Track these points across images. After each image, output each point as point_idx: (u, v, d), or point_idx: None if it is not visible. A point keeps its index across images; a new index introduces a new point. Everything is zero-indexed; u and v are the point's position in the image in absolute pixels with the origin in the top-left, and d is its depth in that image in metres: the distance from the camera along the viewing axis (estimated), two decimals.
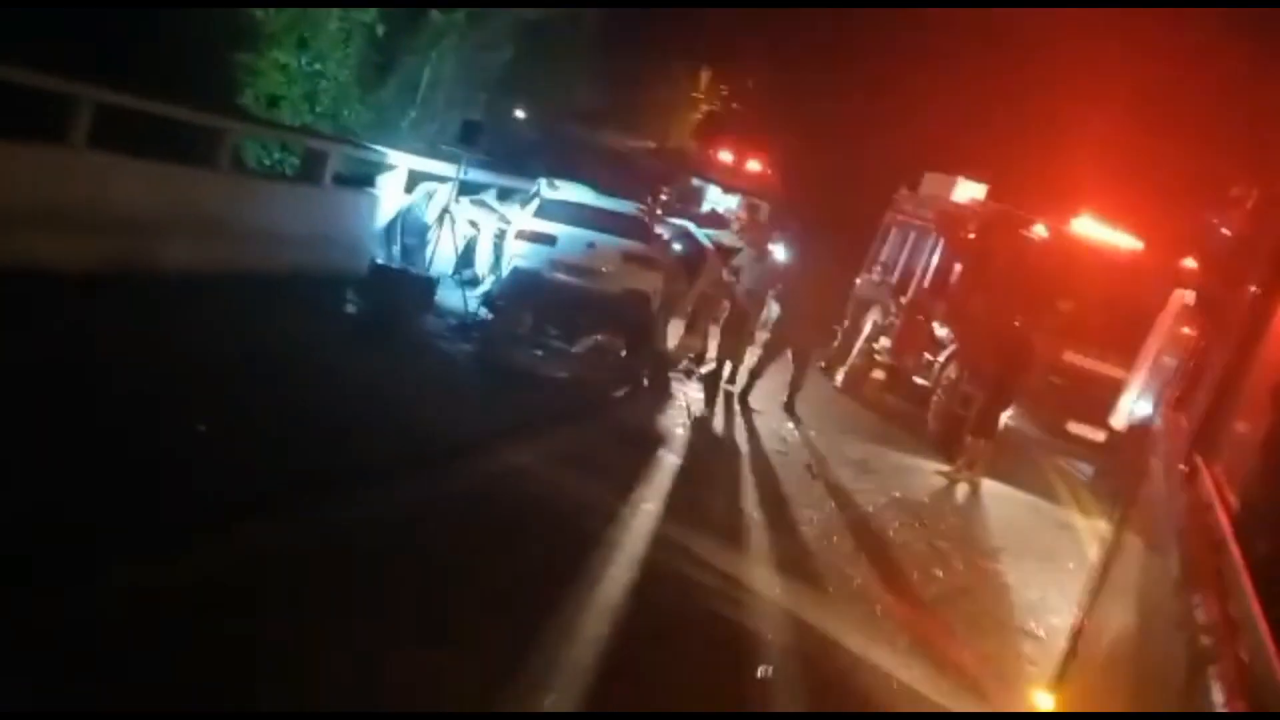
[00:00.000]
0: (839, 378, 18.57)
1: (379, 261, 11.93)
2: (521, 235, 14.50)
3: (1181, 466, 3.85)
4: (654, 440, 10.49)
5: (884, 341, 19.10)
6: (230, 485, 6.36)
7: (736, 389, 14.14)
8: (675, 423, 11.61)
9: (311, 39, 16.49)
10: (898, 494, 11.46)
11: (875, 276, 21.05)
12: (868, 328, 19.43)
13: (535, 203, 15.08)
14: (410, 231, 14.28)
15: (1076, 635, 4.82)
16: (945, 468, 13.38)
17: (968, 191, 19.11)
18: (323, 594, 5.52)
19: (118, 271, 9.62)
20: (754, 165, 28.11)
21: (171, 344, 8.82)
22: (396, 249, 14.21)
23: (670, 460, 9.98)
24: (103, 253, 9.51)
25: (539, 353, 12.77)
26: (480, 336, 12.43)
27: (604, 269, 14.32)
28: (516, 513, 7.49)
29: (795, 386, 14.57)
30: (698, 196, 27.38)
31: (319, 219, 12.98)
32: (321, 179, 13.33)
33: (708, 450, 10.87)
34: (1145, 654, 3.12)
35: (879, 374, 19.02)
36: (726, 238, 16.20)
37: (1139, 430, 13.54)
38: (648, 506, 8.38)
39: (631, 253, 14.57)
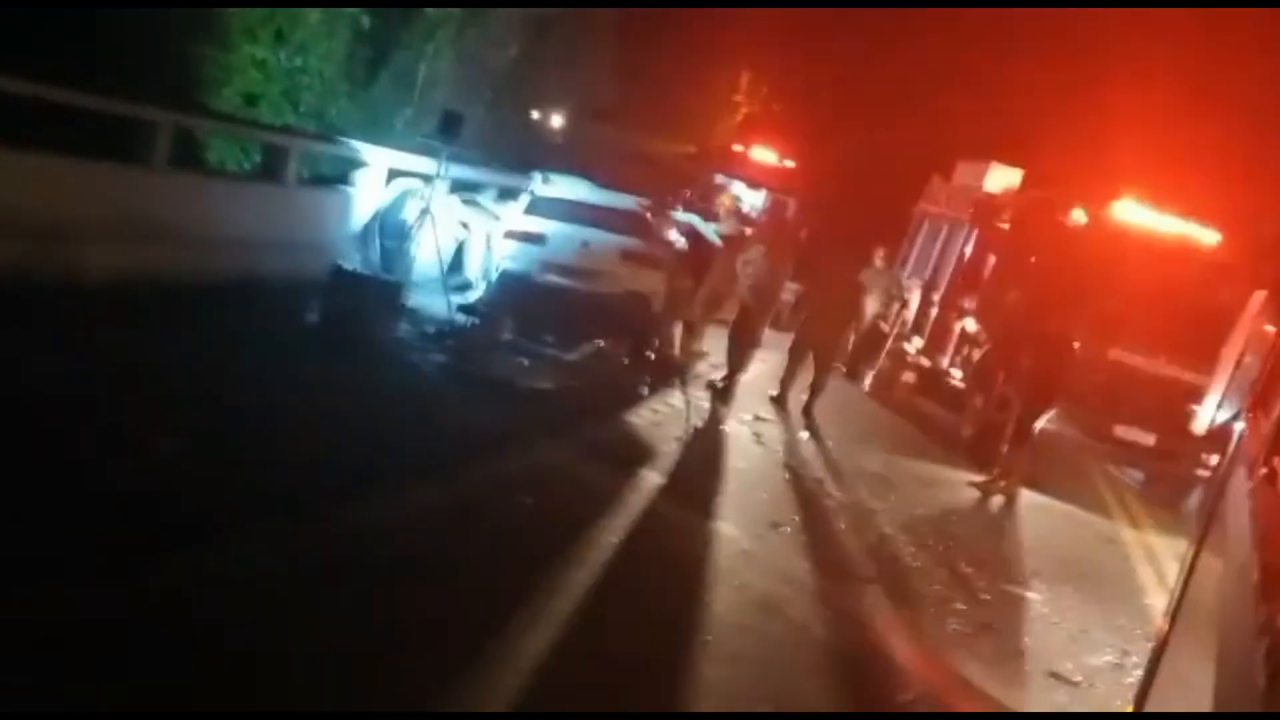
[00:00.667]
0: (867, 381, 17.34)
1: (341, 265, 10.86)
2: (510, 235, 13.49)
3: (1262, 469, 3.88)
4: (636, 457, 9.35)
5: (916, 341, 17.98)
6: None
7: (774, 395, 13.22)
8: (669, 435, 10.46)
9: (290, 33, 15.48)
10: (920, 511, 10.28)
11: (907, 272, 20.02)
12: (896, 327, 18.32)
13: (525, 200, 14.04)
14: (389, 233, 13.23)
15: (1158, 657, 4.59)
16: (979, 478, 12.20)
17: (1001, 178, 17.91)
18: None
19: (23, 280, 8.61)
20: (785, 162, 26.92)
21: (93, 360, 7.79)
22: (375, 252, 13.15)
23: (651, 480, 8.83)
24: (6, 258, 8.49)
25: (524, 361, 11.65)
26: (456, 345, 11.32)
27: (599, 269, 13.25)
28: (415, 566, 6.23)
29: (816, 390, 13.50)
30: (717, 193, 26.22)
31: (280, 220, 11.98)
32: (283, 177, 12.30)
33: (701, 468, 9.72)
34: (1225, 664, 3.04)
35: (909, 376, 17.87)
36: (722, 227, 15.02)
37: (1218, 433, 12.54)
38: (608, 539, 7.22)
39: (630, 251, 13.50)
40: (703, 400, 12.52)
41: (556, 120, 29.03)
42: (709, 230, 14.70)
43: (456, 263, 14.68)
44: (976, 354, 15.26)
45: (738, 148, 27.95)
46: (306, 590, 5.36)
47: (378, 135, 17.29)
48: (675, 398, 12.26)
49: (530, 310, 13.50)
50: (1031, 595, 8.61)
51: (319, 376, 9.08)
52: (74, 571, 4.94)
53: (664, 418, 11.15)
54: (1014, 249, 15.27)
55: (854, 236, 17.89)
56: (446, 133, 12.66)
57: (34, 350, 7.66)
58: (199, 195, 11.01)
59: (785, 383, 13.41)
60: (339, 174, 13.96)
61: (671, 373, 13.31)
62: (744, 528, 8.19)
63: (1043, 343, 12.31)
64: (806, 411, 13.17)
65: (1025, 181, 17.80)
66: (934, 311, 17.82)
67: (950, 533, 9.80)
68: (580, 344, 13.30)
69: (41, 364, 7.47)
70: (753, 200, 26.42)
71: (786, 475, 10.30)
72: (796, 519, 8.88)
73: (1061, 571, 9.48)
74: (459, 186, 15.71)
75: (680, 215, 14.84)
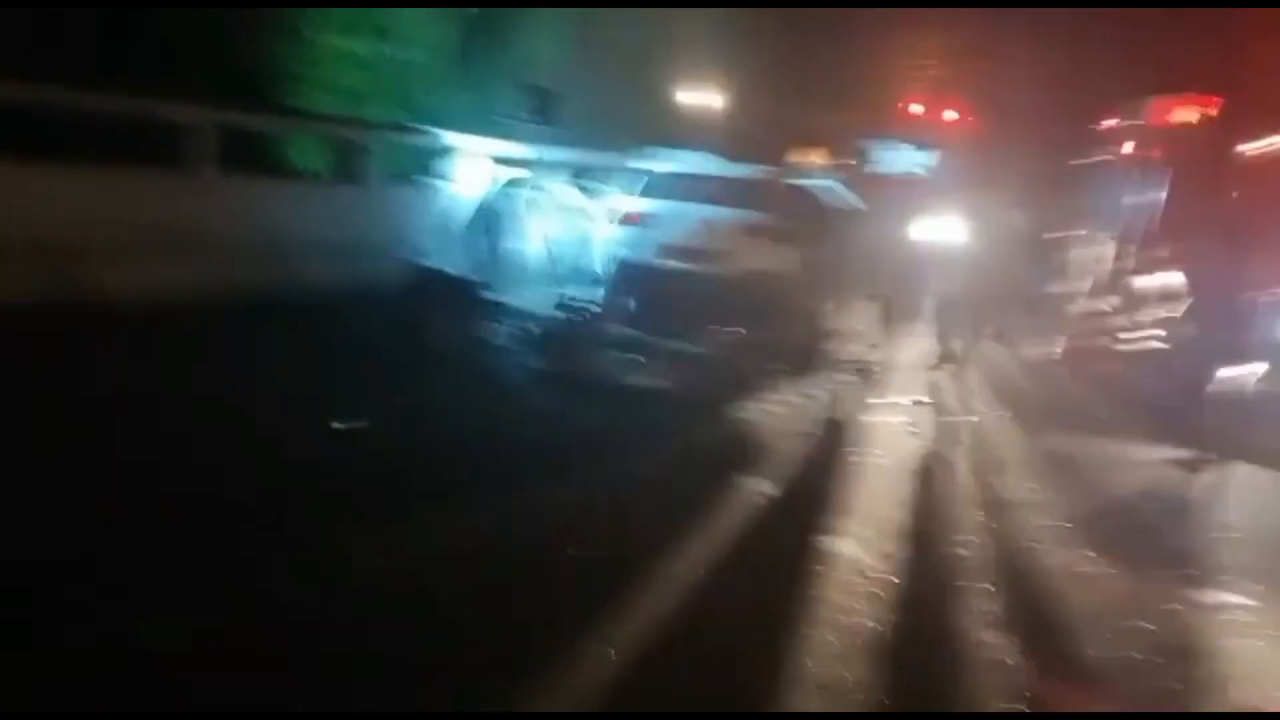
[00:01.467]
0: (1058, 348, 15.45)
1: (419, 264, 9.83)
2: (623, 220, 12.24)
3: None
4: (747, 460, 7.97)
5: (1112, 300, 16.01)
6: None
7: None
8: (797, 431, 9.05)
9: (393, 26, 14.58)
10: (1103, 501, 8.57)
11: (1097, 223, 18.03)
12: (1088, 284, 16.36)
13: (640, 181, 12.81)
14: (495, 229, 12.16)
15: None
16: (1181, 454, 10.34)
17: (1194, 114, 15.81)
18: None
19: (47, 303, 7.82)
20: (950, 114, 24.90)
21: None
22: (482, 249, 12.10)
23: (758, 490, 7.45)
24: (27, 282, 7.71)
25: (638, 357, 10.41)
26: (557, 345, 10.16)
27: (722, 249, 11.89)
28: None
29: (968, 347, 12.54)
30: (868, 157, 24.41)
31: (357, 222, 10.99)
32: (360, 175, 11.34)
33: (829, 470, 8.24)
34: None
35: (1105, 340, 15.85)
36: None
37: None
38: (678, 574, 5.90)
39: (756, 226, 12.12)
40: (851, 386, 11.02)
41: (715, 100, 27.46)
42: (850, 196, 13.12)
43: (582, 256, 13.52)
44: (1180, 309, 13.37)
45: (917, 108, 26.01)
46: None
47: (494, 126, 16.38)
48: (818, 385, 10.81)
49: (651, 300, 12.29)
50: (1238, 608, 6.89)
51: (376, 391, 8.02)
52: None
53: (797, 410, 9.74)
54: (1212, 183, 13.27)
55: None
56: (540, 111, 11.55)
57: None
58: (253, 200, 10.10)
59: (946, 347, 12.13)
60: (438, 169, 12.96)
61: (814, 357, 11.86)
62: (868, 544, 6.72)
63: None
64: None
65: (1224, 113, 15.65)
66: (1130, 264, 15.87)
67: (1139, 525, 8.10)
68: (709, 333, 11.99)
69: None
70: (919, 159, 24.58)
71: (936, 470, 8.74)
72: (932, 528, 7.35)
73: None
74: (581, 173, 14.60)
75: (814, 182, 13.31)
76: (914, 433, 9.78)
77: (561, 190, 14.21)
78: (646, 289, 12.10)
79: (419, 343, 9.04)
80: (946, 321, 12.85)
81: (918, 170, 24.84)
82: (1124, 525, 7.92)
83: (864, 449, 8.99)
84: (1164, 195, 15.12)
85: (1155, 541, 7.71)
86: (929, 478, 8.45)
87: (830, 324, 13.46)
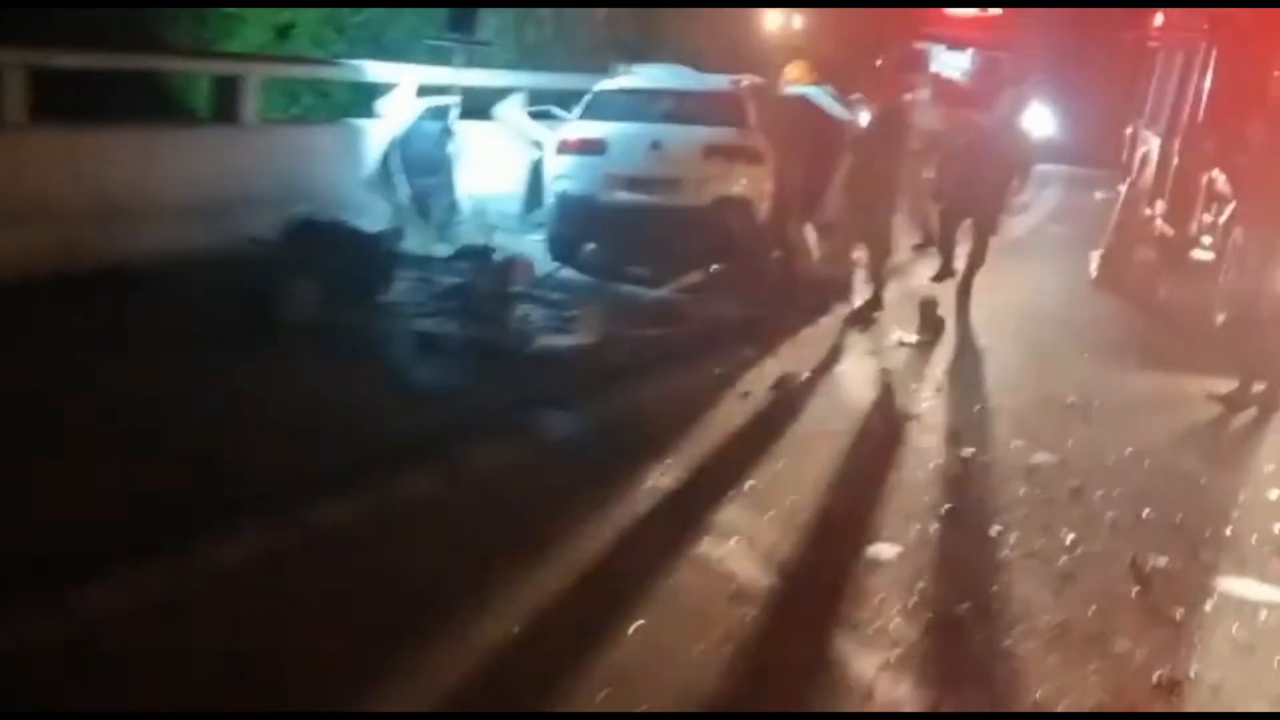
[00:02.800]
0: (1093, 265, 13.74)
1: (303, 218, 8.40)
2: (564, 148, 10.71)
3: None
4: (655, 441, 6.50)
5: (1159, 206, 14.21)
6: None
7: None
8: (738, 393, 7.60)
9: None
10: (1119, 457, 7.07)
11: (1144, 121, 16.23)
12: (1124, 190, 14.62)
13: (584, 101, 11.27)
14: (418, 167, 10.68)
15: None
16: (1223, 389, 8.76)
17: None
18: None
19: None
20: (990, 10, 22.96)
21: None
22: (402, 194, 10.64)
23: (661, 482, 5.99)
24: None
25: (569, 313, 8.96)
26: (465, 303, 8.71)
27: (678, 175, 10.34)
28: None
29: (974, 263, 11.31)
30: (920, 61, 22.52)
31: (235, 174, 9.56)
32: (239, 118, 9.89)
33: (765, 450, 6.77)
34: None
35: (1147, 252, 14.07)
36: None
37: None
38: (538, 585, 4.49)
39: (716, 146, 10.59)
40: (838, 329, 9.61)
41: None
42: (834, 105, 11.44)
43: (535, 192, 12.01)
44: (1225, 213, 11.58)
45: (955, 9, 24.05)
46: None
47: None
48: (796, 329, 9.40)
49: (600, 240, 10.82)
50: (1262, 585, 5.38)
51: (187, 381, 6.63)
52: None
53: (755, 367, 8.27)
54: (1258, 67, 11.48)
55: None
56: (458, 28, 10.04)
57: None
58: (81, 153, 8.69)
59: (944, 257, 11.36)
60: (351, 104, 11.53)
61: (799, 296, 10.36)
62: (774, 557, 5.24)
63: None
64: (964, 288, 11.08)
65: None
66: (1174, 164, 14.07)
67: (1160, 483, 6.59)
68: (673, 276, 10.49)
69: None
70: (958, 62, 22.74)
71: (903, 440, 7.22)
72: (880, 523, 5.84)
73: None
74: (539, 99, 13.08)
75: (796, 89, 11.63)
76: (886, 386, 8.23)
77: (520, 118, 12.70)
78: (592, 227, 10.62)
79: (275, 313, 7.59)
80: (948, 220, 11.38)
81: (956, 73, 23.07)
82: (1138, 493, 6.36)
83: (823, 416, 7.45)
84: (1208, 80, 13.27)
85: (1176, 502, 6.17)
86: (891, 445, 6.90)
87: (826, 254, 11.89)
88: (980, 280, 11.61)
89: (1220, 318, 10.61)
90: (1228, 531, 6.07)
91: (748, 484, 6.03)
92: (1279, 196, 9.38)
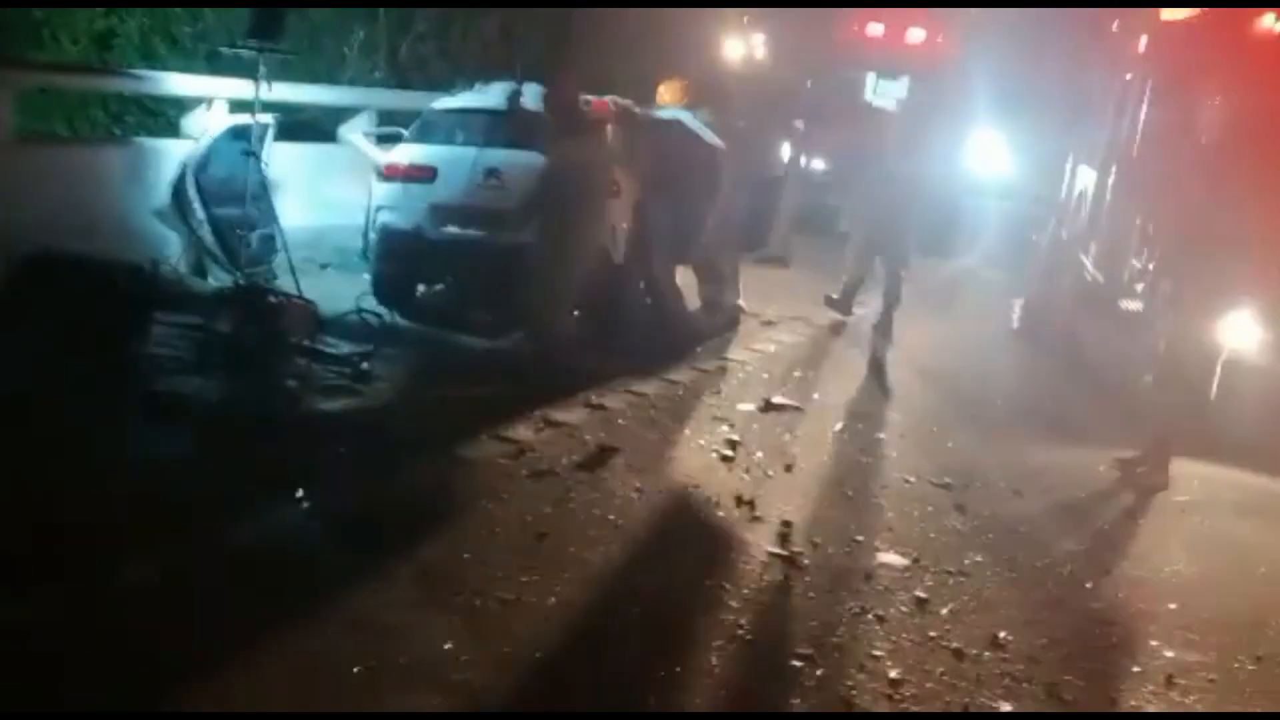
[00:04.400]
0: (1015, 314, 12.77)
1: (51, 251, 7.26)
2: (387, 175, 9.62)
3: None
4: (422, 531, 5.38)
5: (1092, 249, 13.27)
6: None
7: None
8: (545, 470, 6.51)
9: None
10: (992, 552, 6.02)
11: (1083, 155, 15.35)
12: (1050, 231, 13.76)
13: (415, 123, 10.18)
14: (221, 195, 9.54)
15: None
16: (1127, 454, 7.83)
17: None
18: None
19: None
20: (917, 34, 22.06)
21: None
22: (200, 225, 9.49)
23: (402, 572, 4.88)
24: None
25: (363, 366, 7.82)
26: (229, 351, 7.55)
27: (519, 208, 9.21)
28: None
29: (890, 302, 11.38)
30: (851, 90, 21.62)
31: None
32: None
33: (556, 536, 5.69)
34: None
35: (1073, 301, 13.13)
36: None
37: None
38: None
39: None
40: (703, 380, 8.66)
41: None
42: (706, 131, 10.40)
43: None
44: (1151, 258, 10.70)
45: (875, 29, 23.06)
46: None
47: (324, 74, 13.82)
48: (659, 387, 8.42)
49: (432, 281, 9.74)
50: None
51: None
52: None
53: (566, 439, 7.18)
54: (1189, 91, 10.59)
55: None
56: (262, 34, 8.94)
57: None
58: None
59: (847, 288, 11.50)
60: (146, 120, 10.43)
61: (671, 344, 9.39)
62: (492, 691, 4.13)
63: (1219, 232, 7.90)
64: (882, 329, 11.22)
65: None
66: (1107, 202, 13.21)
67: (1020, 604, 5.52)
68: (521, 324, 9.39)
69: None
70: (892, 90, 21.82)
71: (719, 534, 6.13)
72: (658, 647, 4.75)
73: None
74: (389, 120, 12.02)
75: (666, 112, 10.60)
76: (727, 460, 7.15)
77: (360, 141, 11.64)
78: (421, 265, 9.52)
79: None
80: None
81: (890, 102, 22.19)
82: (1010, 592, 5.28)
83: (625, 505, 6.33)
84: (1143, 109, 12.37)
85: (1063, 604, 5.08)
86: (683, 560, 5.78)
87: (704, 294, 10.94)
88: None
89: (1148, 377, 9.62)
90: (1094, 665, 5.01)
91: (483, 599, 4.90)
92: (1210, 243, 8.39)
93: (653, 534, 5.89)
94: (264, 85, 9.09)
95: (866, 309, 12.11)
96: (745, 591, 5.32)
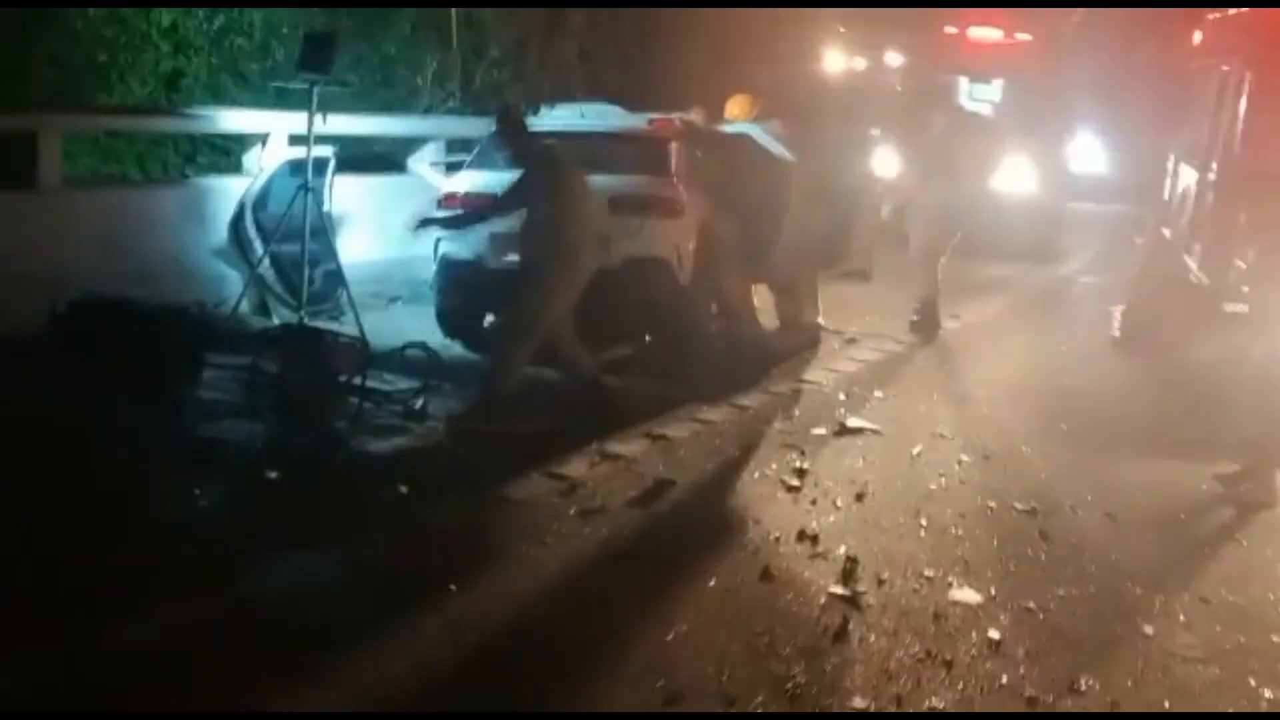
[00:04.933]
0: (1115, 322, 12.17)
1: (82, 296, 7.17)
2: (445, 205, 9.42)
3: None
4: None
5: (1196, 250, 12.62)
6: None
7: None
8: (615, 498, 6.25)
9: None
10: (1080, 586, 5.59)
11: (1184, 152, 14.68)
12: (1151, 232, 13.13)
13: (475, 150, 9.99)
14: (280, 232, 9.41)
15: None
16: (1229, 469, 7.30)
17: None
18: None
19: None
20: (1010, 34, 21.37)
21: None
22: (258, 262, 9.38)
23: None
24: None
25: (416, 407, 7.59)
26: (280, 395, 7.37)
27: None
28: None
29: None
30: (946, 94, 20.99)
31: (14, 246, 8.29)
32: (31, 180, 8.68)
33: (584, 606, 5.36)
34: None
35: (1176, 306, 12.47)
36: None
37: None
38: None
39: (625, 197, 9.22)
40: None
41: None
42: (775, 145, 10.04)
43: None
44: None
45: (950, 29, 22.37)
46: None
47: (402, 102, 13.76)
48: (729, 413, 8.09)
49: (494, 311, 9.48)
50: None
51: None
52: None
53: (621, 474, 6.88)
54: None
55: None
56: (312, 65, 8.81)
57: None
58: None
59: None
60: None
61: (745, 368, 9.08)
62: None
63: None
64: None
65: None
66: (1210, 201, 12.55)
67: (1105, 651, 5.08)
68: (592, 352, 9.09)
69: None
70: (985, 95, 21.19)
71: (777, 572, 5.76)
72: (697, 697, 4.42)
73: None
74: (462, 148, 11.87)
75: (736, 127, 10.27)
76: (798, 487, 6.78)
77: (427, 171, 11.50)
78: (484, 296, 9.25)
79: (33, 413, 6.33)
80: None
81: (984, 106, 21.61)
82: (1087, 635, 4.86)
83: (679, 541, 6.00)
84: (1243, 102, 11.73)
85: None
86: (735, 602, 5.42)
87: (782, 311, 10.61)
88: (976, 347, 10.86)
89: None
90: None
91: (514, 650, 4.60)
92: None
93: (702, 575, 5.51)
94: (319, 118, 8.92)
95: (960, 320, 11.69)
96: (799, 639, 4.93)
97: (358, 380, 7.46)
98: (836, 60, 20.99)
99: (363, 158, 12.17)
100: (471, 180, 9.55)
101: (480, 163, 9.73)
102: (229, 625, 4.66)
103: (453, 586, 5.12)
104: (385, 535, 5.70)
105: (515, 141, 7.98)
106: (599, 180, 9.09)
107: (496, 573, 5.41)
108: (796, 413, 8.58)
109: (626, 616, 5.03)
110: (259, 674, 4.29)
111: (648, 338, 10.04)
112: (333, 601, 4.93)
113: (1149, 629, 5.29)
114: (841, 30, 21.63)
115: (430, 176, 11.46)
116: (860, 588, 5.48)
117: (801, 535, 6.09)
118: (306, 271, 9.35)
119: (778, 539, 6.05)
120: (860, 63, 21.09)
